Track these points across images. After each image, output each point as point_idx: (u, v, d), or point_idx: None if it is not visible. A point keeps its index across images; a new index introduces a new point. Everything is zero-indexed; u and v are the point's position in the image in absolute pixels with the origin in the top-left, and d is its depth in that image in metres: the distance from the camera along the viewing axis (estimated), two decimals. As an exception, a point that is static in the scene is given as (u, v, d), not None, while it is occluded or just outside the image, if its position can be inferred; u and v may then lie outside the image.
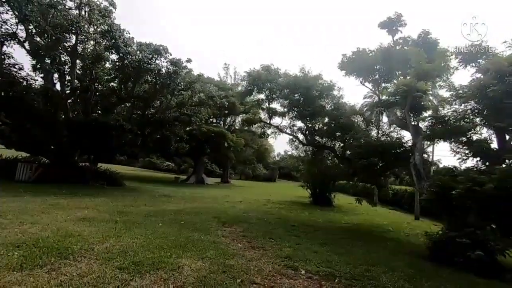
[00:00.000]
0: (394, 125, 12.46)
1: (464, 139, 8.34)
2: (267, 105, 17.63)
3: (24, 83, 13.50)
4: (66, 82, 15.00)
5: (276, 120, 18.74)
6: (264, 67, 16.30)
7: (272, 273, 4.49)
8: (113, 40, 13.83)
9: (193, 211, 9.97)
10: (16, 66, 13.26)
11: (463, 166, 8.23)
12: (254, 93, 17.39)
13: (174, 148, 22.79)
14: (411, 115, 10.21)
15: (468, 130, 8.20)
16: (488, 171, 6.59)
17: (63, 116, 14.96)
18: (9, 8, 12.01)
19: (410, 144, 10.15)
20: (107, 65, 16.57)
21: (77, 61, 15.07)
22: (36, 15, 11.94)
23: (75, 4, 13.97)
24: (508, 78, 6.74)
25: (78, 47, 14.32)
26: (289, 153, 44.84)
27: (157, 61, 15.20)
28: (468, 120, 8.37)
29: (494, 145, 8.13)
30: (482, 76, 7.79)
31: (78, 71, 15.45)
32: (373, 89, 13.18)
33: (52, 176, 13.12)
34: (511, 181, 5.73)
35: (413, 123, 10.08)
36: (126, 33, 14.62)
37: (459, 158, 8.36)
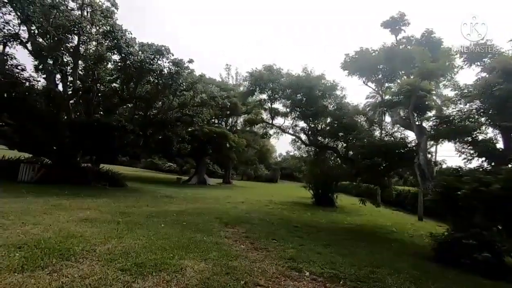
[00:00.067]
0: (398, 125, 12.38)
1: (469, 139, 8.26)
2: (269, 105, 17.61)
3: (27, 84, 13.48)
4: (68, 83, 15.00)
5: (279, 121, 18.75)
6: (266, 67, 16.25)
7: (276, 274, 4.43)
8: (115, 41, 13.83)
9: (195, 212, 9.92)
10: (19, 67, 13.25)
11: (468, 167, 8.16)
12: (256, 93, 17.33)
13: (176, 148, 22.76)
14: (415, 114, 10.13)
15: (473, 130, 8.12)
16: (494, 172, 6.50)
17: (65, 117, 14.97)
18: (11, 9, 12.02)
19: (414, 144, 10.07)
20: (109, 65, 16.57)
21: (79, 61, 15.08)
22: (38, 16, 11.95)
23: (77, 5, 13.99)
24: (514, 77, 6.66)
25: (80, 48, 14.34)
26: (291, 153, 44.81)
27: (159, 62, 15.17)
28: (473, 120, 8.30)
29: (500, 145, 8.05)
30: (487, 75, 7.71)
31: (80, 72, 15.46)
32: (376, 89, 13.13)
33: (54, 177, 13.13)
34: (518, 181, 5.65)
35: (417, 123, 10.00)
36: (128, 33, 14.62)
37: (464, 158, 8.28)
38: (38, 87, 14.52)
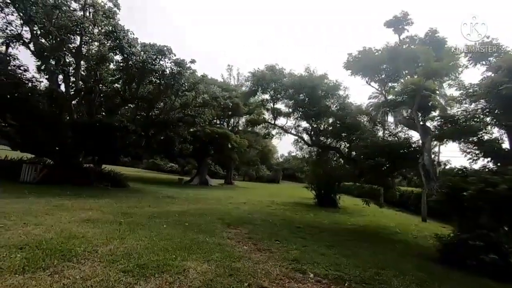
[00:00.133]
0: (401, 125, 12.28)
1: (475, 139, 8.16)
2: (272, 106, 17.52)
3: (29, 84, 13.49)
4: (70, 84, 15.00)
5: (281, 121, 18.65)
6: (268, 67, 16.18)
7: (280, 276, 4.37)
8: (117, 41, 13.80)
9: (197, 212, 9.87)
10: (21, 68, 13.28)
11: (473, 167, 8.07)
12: (258, 93, 17.27)
13: (178, 149, 22.76)
14: (419, 114, 10.03)
15: (478, 129, 8.03)
16: (501, 172, 6.42)
17: (67, 118, 14.97)
18: (14, 9, 12.03)
19: (418, 144, 9.98)
20: (111, 66, 16.57)
21: (82, 62, 15.08)
22: (40, 17, 11.96)
23: (80, 6, 14.00)
24: (521, 76, 6.57)
25: (82, 48, 14.33)
26: (293, 154, 44.75)
27: (161, 62, 15.13)
28: (478, 120, 8.20)
29: (506, 145, 7.95)
30: (493, 74, 7.61)
31: (82, 72, 15.45)
32: (379, 89, 13.00)
33: (56, 177, 13.12)
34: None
35: (421, 122, 9.90)
36: (130, 33, 14.59)
37: (469, 159, 8.18)
38: (41, 88, 14.55)
